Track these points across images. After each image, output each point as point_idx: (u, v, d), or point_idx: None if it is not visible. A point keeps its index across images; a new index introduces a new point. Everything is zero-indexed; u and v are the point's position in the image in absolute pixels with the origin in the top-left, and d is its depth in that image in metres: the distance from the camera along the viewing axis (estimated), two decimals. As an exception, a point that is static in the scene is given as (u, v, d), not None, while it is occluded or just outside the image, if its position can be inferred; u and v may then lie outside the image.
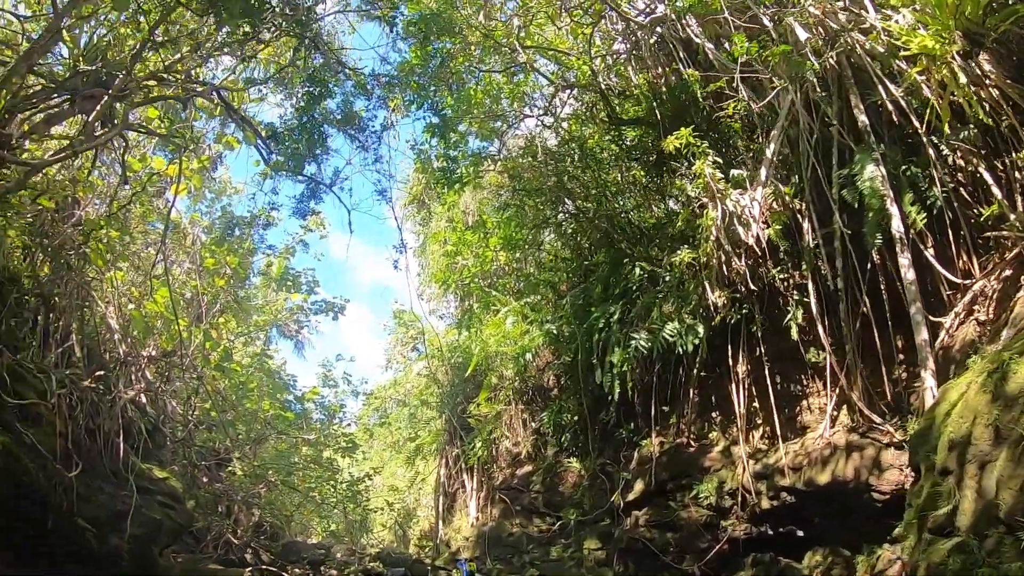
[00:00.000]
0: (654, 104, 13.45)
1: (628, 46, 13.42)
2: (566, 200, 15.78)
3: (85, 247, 10.90)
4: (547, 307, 16.68)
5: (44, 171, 9.86)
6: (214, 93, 11.42)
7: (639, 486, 12.84)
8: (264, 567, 12.29)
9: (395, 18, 13.26)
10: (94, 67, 9.51)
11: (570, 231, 16.80)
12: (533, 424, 16.32)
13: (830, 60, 9.83)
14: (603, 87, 14.00)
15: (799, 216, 11.18)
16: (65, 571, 7.58)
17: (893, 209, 9.16)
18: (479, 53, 14.52)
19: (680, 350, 12.15)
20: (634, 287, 13.91)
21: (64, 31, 9.19)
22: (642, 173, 15.08)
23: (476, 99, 14.70)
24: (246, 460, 14.37)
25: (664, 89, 13.48)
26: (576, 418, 15.20)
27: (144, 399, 11.31)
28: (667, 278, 13.13)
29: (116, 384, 10.89)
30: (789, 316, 11.08)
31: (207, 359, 12.33)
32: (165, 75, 10.66)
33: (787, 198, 11.25)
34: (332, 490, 16.69)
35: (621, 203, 15.51)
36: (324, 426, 18.49)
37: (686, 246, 12.24)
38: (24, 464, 6.93)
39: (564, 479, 14.88)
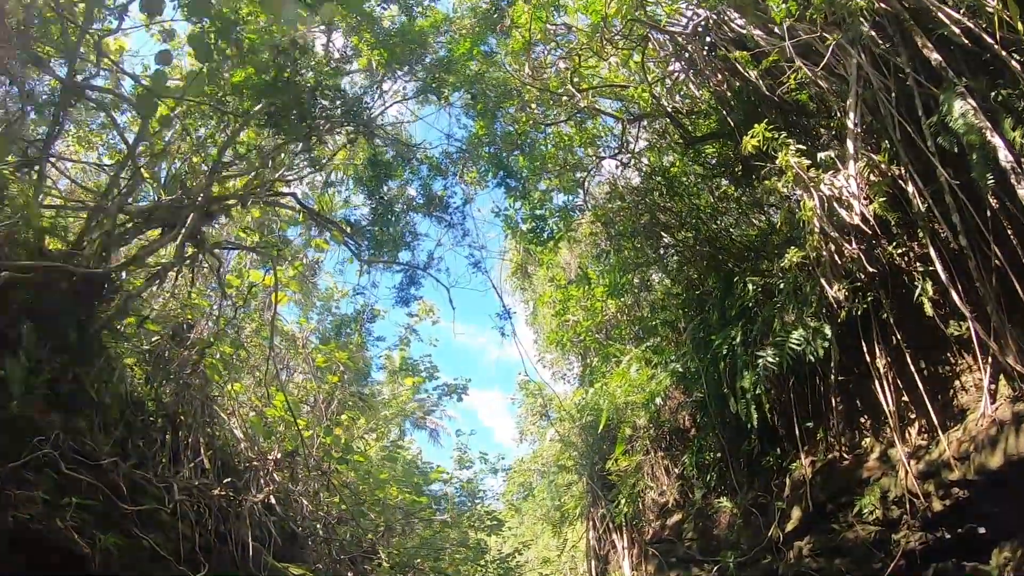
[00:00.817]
0: (724, 113, 13.07)
1: (682, 63, 13.20)
2: (663, 234, 15.36)
3: (201, 365, 11.63)
4: (669, 347, 16.03)
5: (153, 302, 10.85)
6: (294, 200, 12.16)
7: (796, 514, 11.72)
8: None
9: (444, 92, 13.85)
10: (174, 196, 10.38)
11: (675, 265, 16.30)
12: (676, 470, 15.43)
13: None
14: (669, 110, 13.79)
15: (900, 182, 10.27)
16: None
17: (996, 140, 8.23)
18: (540, 110, 14.75)
19: (811, 358, 11.22)
20: (750, 304, 13.16)
21: (143, 170, 10.18)
22: (732, 188, 14.53)
23: (549, 154, 14.85)
24: (390, 548, 14.41)
25: (729, 94, 13.08)
26: (719, 455, 14.26)
27: (273, 500, 11.63)
28: (781, 286, 12.32)
29: (246, 488, 11.33)
30: (919, 291, 10.01)
31: (330, 454, 12.67)
32: (243, 191, 11.50)
33: (883, 167, 10.37)
34: (482, 571, 16.35)
35: (719, 223, 14.90)
36: (467, 508, 18.34)
37: (792, 247, 11.47)
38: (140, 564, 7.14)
39: (717, 521, 13.84)
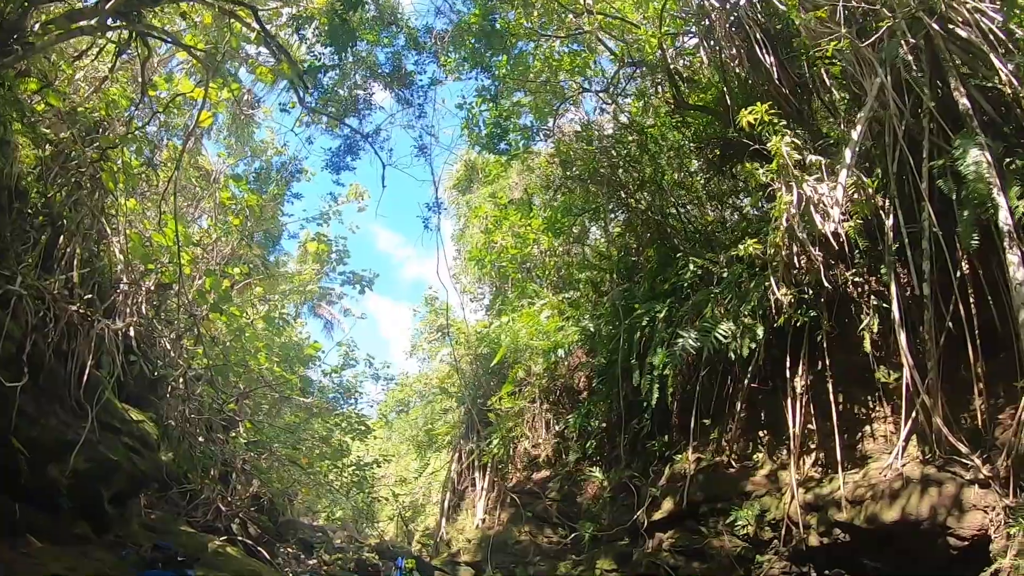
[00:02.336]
0: (724, 90, 12.28)
1: (701, 28, 12.23)
2: (619, 191, 14.56)
3: (100, 166, 10.18)
4: (586, 305, 15.51)
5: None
6: (251, 15, 10.56)
7: (668, 505, 11.54)
8: (246, 540, 11.32)
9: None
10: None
11: (618, 227, 15.65)
12: (557, 427, 15.11)
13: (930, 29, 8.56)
14: (670, 67, 12.84)
15: (881, 213, 9.82)
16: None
17: (1000, 199, 7.76)
18: (542, 20, 13.47)
19: (732, 355, 10.83)
20: (685, 285, 12.70)
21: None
22: (702, 169, 13.89)
23: (534, 67, 13.64)
24: (250, 423, 13.45)
25: (738, 71, 12.29)
26: (604, 425, 13.98)
27: (133, 333, 10.43)
28: (725, 275, 11.85)
29: (109, 314, 10.12)
30: (864, 325, 9.69)
31: (205, 298, 11.38)
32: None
33: (870, 191, 9.89)
34: (338, 472, 15.69)
35: (677, 198, 14.25)
36: (338, 405, 17.56)
37: (751, 239, 10.93)
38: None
39: (583, 489, 13.62)
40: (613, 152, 14.50)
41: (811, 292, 10.38)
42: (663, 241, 14.13)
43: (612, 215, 15.28)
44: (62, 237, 9.97)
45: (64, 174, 10.08)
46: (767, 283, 10.65)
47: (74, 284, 9.61)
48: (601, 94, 14.12)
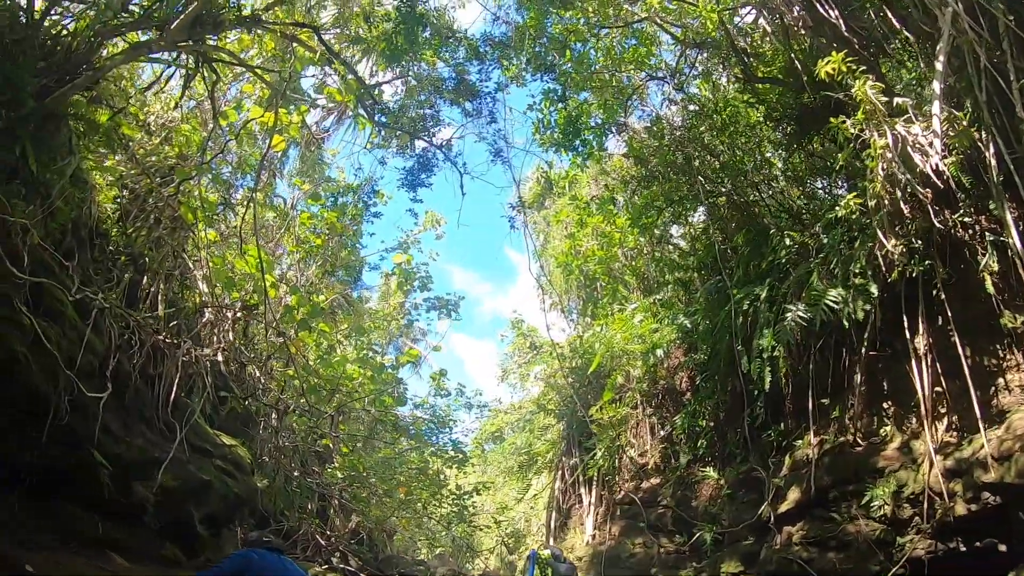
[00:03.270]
0: (791, 57, 11.74)
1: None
2: (699, 181, 14.05)
3: (177, 200, 10.51)
4: (679, 303, 14.93)
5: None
6: (315, 37, 10.87)
7: (793, 495, 10.70)
8: (349, 570, 11.12)
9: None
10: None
11: (700, 223, 15.12)
12: (662, 431, 14.42)
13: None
14: (734, 41, 12.42)
15: (980, 144, 9.02)
16: (75, 516, 6.62)
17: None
18: (597, 17, 13.33)
19: (846, 322, 10.09)
20: (783, 261, 12.07)
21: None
22: (781, 146, 13.27)
23: (596, 61, 13.47)
24: (346, 448, 13.37)
25: (803, 32, 11.75)
26: (713, 423, 13.29)
27: (220, 358, 10.55)
28: (825, 241, 11.15)
29: (196, 341, 10.28)
30: (983, 265, 8.87)
31: (292, 315, 11.44)
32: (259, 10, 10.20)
33: (963, 123, 9.10)
34: (437, 504, 15.40)
35: (759, 179, 13.66)
36: (433, 435, 17.38)
37: (850, 195, 10.26)
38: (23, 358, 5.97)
39: (698, 492, 12.86)
40: (687, 142, 14.09)
41: (920, 241, 9.61)
42: (751, 224, 13.49)
43: (693, 207, 14.75)
44: (145, 276, 10.16)
45: (142, 214, 10.38)
46: (872, 240, 9.95)
47: (159, 318, 9.79)
48: (668, 82, 13.72)
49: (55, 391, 6.05)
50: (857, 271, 10.16)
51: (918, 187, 9.04)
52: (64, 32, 8.30)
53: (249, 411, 11.64)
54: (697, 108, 14.17)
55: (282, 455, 12.19)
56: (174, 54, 9.34)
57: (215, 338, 10.70)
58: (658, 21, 12.86)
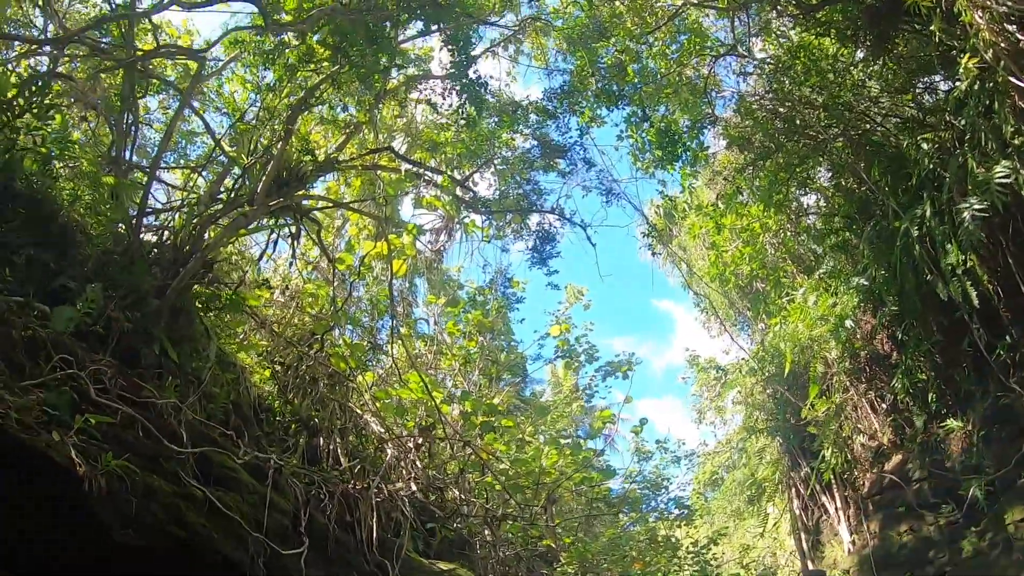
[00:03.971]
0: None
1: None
2: (809, 133, 13.24)
3: (326, 356, 11.07)
4: (845, 267, 13.69)
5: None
6: (392, 155, 11.61)
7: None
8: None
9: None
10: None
11: (829, 177, 14.09)
12: (883, 405, 12.77)
13: None
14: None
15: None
16: None
17: None
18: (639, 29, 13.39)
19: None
20: (930, 168, 10.87)
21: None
22: (869, 62, 12.32)
23: (662, 69, 13.38)
24: (569, 541, 12.83)
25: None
26: (933, 373, 11.65)
27: (415, 487, 10.62)
28: (962, 122, 9.99)
29: (385, 479, 10.43)
30: None
31: (471, 421, 11.46)
32: (332, 154, 11.03)
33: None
34: (677, 569, 14.22)
35: (866, 101, 12.68)
36: (650, 501, 16.32)
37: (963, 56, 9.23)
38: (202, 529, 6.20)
39: (948, 450, 11.14)
40: (779, 105, 13.44)
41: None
42: (879, 152, 12.40)
43: (815, 166, 13.83)
44: (319, 437, 10.51)
45: (298, 380, 10.91)
46: (1008, 93, 8.78)
47: (344, 468, 10.06)
48: (735, 57, 13.30)
49: (247, 554, 6.16)
50: (1011, 131, 8.93)
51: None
52: (167, 234, 9.18)
53: (461, 534, 11.48)
54: (772, 67, 13.56)
55: (506, 567, 11.83)
56: (273, 220, 10.20)
57: (404, 471, 10.85)
58: (694, 1, 12.66)
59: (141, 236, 8.81)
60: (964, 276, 9.92)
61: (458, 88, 11.32)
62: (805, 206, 15.17)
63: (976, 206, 9.35)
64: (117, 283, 7.63)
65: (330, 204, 11.32)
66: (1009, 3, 8.17)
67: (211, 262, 9.03)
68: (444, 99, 12.64)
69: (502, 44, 13.96)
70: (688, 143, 13.70)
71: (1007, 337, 10.12)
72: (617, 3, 13.10)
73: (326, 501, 8.37)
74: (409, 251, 12.79)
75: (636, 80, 13.32)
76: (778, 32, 13.15)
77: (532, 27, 13.97)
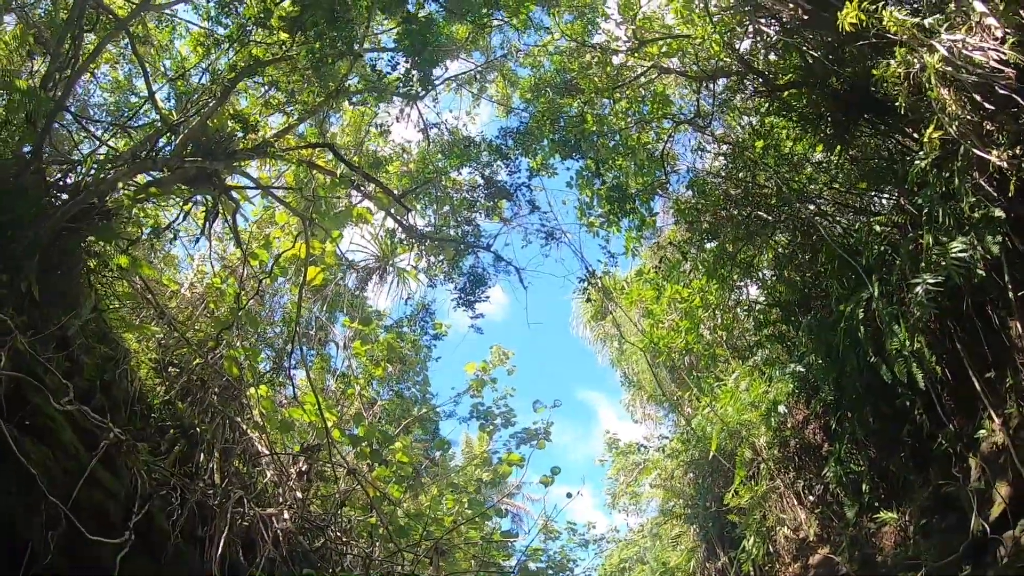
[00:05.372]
0: (803, 48, 11.41)
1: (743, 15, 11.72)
2: (760, 214, 13.25)
3: (219, 355, 9.83)
4: (781, 356, 13.47)
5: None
6: (331, 153, 10.83)
7: (1002, 491, 8.68)
8: None
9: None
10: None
11: (771, 266, 14.09)
12: (811, 496, 12.27)
13: None
14: (743, 57, 12.21)
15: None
16: None
17: None
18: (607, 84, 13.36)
19: (980, 271, 8.74)
20: (881, 250, 10.85)
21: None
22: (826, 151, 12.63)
23: (619, 125, 13.27)
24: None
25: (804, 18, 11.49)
26: (868, 462, 11.28)
27: (287, 516, 9.21)
28: (920, 200, 10.02)
29: (256, 499, 9.02)
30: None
31: (362, 451, 10.22)
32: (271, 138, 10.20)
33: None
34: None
35: (820, 186, 12.84)
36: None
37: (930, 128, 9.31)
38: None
39: (880, 543, 10.63)
40: (730, 188, 13.50)
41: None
42: (823, 242, 12.48)
43: (761, 253, 13.79)
44: (199, 450, 9.11)
45: (187, 382, 9.61)
46: (970, 167, 8.84)
47: (213, 484, 8.70)
48: (696, 124, 13.33)
49: (39, 527, 4.76)
50: (971, 204, 8.95)
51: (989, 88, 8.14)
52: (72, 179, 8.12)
53: None
54: (729, 148, 13.69)
55: None
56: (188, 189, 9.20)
57: (280, 497, 9.50)
58: (664, 65, 12.73)
59: (43, 168, 7.65)
60: (911, 357, 9.71)
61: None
62: (745, 296, 15.07)
63: (930, 280, 9.23)
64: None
65: (253, 185, 10.31)
66: (977, 75, 8.27)
67: (108, 211, 7.91)
68: (399, 119, 12.12)
69: (466, 79, 13.63)
70: (637, 206, 13.48)
71: (950, 426, 9.84)
72: (588, 56, 13.02)
73: (175, 505, 7.00)
74: (329, 259, 11.81)
75: (594, 133, 13.12)
76: (741, 110, 13.28)
77: (498, 70, 13.78)
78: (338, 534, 10.13)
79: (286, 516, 9.21)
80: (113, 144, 9.25)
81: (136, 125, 9.65)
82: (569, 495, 12.35)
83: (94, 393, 6.98)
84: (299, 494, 9.96)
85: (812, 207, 12.94)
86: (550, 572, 14.73)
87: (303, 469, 10.27)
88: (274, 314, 12.15)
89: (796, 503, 12.36)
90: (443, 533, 10.95)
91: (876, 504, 10.98)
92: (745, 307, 14.56)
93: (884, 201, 12.42)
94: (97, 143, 9.23)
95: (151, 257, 10.13)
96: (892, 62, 9.53)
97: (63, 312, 6.72)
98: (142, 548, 5.89)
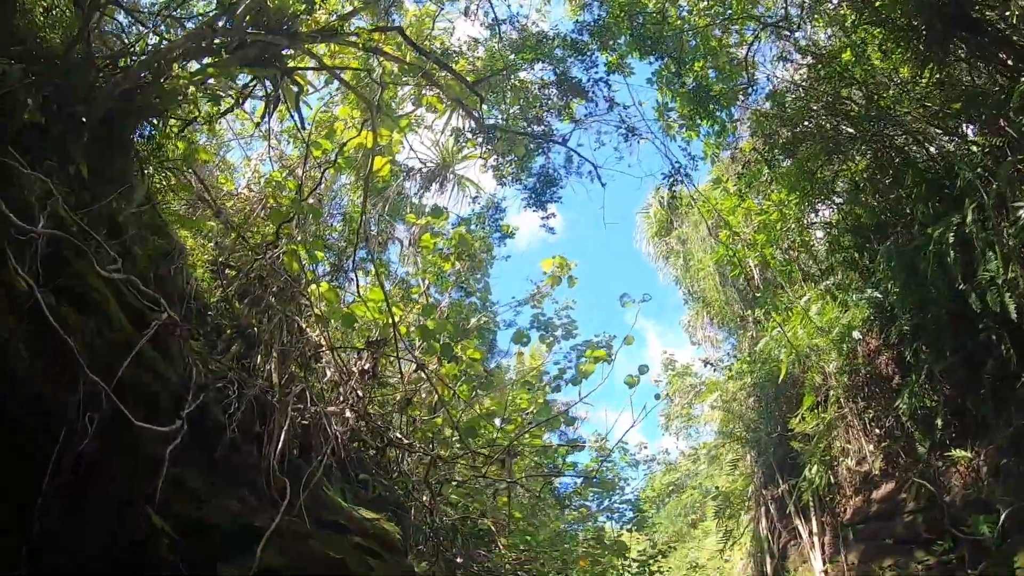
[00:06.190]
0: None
1: None
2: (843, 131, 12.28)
3: (279, 250, 9.65)
4: (856, 281, 12.75)
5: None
6: (401, 37, 10.26)
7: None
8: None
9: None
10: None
11: (852, 181, 13.15)
12: (878, 430, 11.76)
13: None
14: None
15: None
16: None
17: None
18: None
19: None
20: (975, 175, 9.94)
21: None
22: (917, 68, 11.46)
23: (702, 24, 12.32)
24: (519, 517, 11.47)
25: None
26: (943, 397, 10.64)
27: (349, 416, 9.12)
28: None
29: (317, 397, 8.93)
30: None
31: (433, 345, 9.95)
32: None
33: None
34: (620, 573, 13.02)
35: (907, 107, 11.77)
36: (602, 500, 15.11)
37: None
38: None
39: (949, 481, 10.14)
40: (814, 102, 12.49)
41: None
42: (909, 165, 11.59)
43: (835, 177, 12.89)
44: (256, 351, 9.04)
45: (245, 282, 9.50)
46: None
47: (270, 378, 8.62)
48: (781, 29, 12.28)
49: (74, 399, 4.12)
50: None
51: None
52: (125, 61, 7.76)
53: (395, 492, 9.99)
54: (814, 59, 12.62)
55: (440, 538, 10.38)
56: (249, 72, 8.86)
57: (341, 396, 9.44)
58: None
59: (90, 51, 7.37)
60: (1004, 286, 9.01)
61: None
62: (820, 218, 14.23)
63: (1034, 206, 8.44)
64: (48, 75, 6.19)
65: (319, 66, 9.88)
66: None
67: (163, 92, 7.62)
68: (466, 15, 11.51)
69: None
70: (719, 115, 12.68)
71: (1039, 362, 9.16)
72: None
73: (232, 398, 6.84)
74: (396, 150, 11.42)
75: (675, 30, 12.23)
76: (831, 16, 12.16)
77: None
78: (398, 437, 10.09)
79: (348, 415, 9.20)
80: (165, 35, 8.95)
81: (188, 16, 9.28)
82: (657, 396, 12.02)
83: (147, 285, 6.82)
84: (360, 394, 9.93)
85: (899, 127, 11.93)
86: (600, 492, 14.73)
87: (366, 368, 10.19)
88: (334, 217, 11.95)
89: (863, 435, 11.87)
90: (515, 433, 10.82)
91: (948, 442, 10.46)
92: (822, 227, 13.75)
93: (975, 128, 11.32)
94: (147, 31, 8.94)
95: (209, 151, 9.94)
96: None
97: (112, 196, 6.57)
98: (195, 440, 5.45)
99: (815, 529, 12.70)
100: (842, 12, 12.18)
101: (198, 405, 5.78)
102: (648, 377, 11.96)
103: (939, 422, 10.56)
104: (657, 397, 12.25)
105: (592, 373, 10.29)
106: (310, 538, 6.06)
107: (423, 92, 11.26)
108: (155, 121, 7.45)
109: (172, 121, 7.68)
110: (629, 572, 13.47)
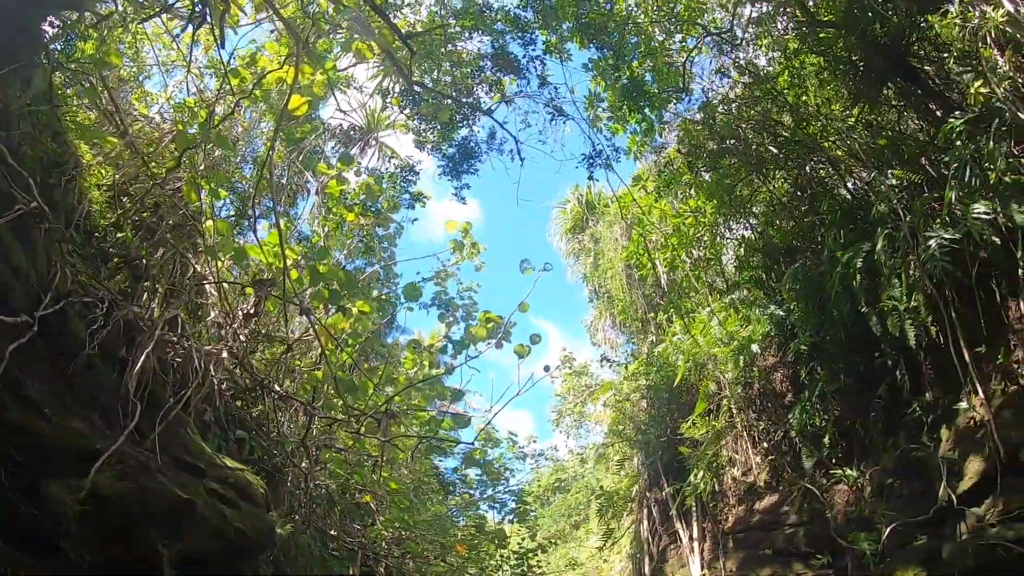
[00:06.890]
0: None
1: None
2: (767, 151, 12.60)
3: (179, 181, 8.80)
4: (760, 299, 13.11)
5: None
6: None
7: (974, 466, 8.54)
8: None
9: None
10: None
11: (763, 211, 13.55)
12: (766, 443, 12.16)
13: None
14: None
15: None
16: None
17: None
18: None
19: (996, 239, 8.33)
20: (892, 205, 10.34)
21: None
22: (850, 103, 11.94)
23: (646, 24, 12.29)
24: (396, 487, 11.07)
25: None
26: (833, 417, 11.09)
27: (226, 357, 8.43)
28: (947, 158, 9.53)
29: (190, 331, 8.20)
30: None
31: (321, 290, 9.33)
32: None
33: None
34: (499, 564, 12.88)
35: (831, 143, 12.24)
36: (487, 488, 14.92)
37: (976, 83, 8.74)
38: None
39: (832, 500, 10.56)
40: (744, 122, 12.78)
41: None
42: (825, 193, 12.03)
43: (758, 196, 13.25)
44: (142, 284, 8.21)
45: (141, 209, 8.66)
46: (1004, 126, 8.38)
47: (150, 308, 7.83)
48: (724, 41, 12.43)
49: None
50: (1003, 169, 8.47)
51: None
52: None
53: (271, 452, 9.34)
54: (751, 77, 12.90)
55: (314, 507, 9.78)
56: None
57: (222, 334, 8.70)
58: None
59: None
60: (905, 314, 9.40)
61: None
62: (732, 235, 14.58)
63: (946, 236, 8.83)
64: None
65: None
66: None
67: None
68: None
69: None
70: (649, 115, 12.69)
71: (926, 395, 9.69)
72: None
73: (99, 315, 6.06)
74: (318, 90, 10.68)
75: (620, 23, 12.14)
76: (773, 39, 12.43)
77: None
78: (278, 390, 9.44)
79: (225, 358, 8.48)
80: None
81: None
82: (547, 368, 11.78)
83: (29, 191, 5.91)
84: (243, 338, 9.22)
85: (823, 156, 12.37)
86: (482, 482, 14.49)
87: (251, 312, 9.47)
88: (246, 163, 11.09)
89: (751, 446, 12.25)
90: (396, 394, 10.37)
91: (833, 460, 10.90)
92: (734, 243, 14.09)
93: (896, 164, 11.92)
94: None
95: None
96: (952, 8, 8.94)
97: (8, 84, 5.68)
98: (47, 349, 5.17)
99: (696, 535, 13.02)
100: (786, 37, 12.43)
101: (57, 311, 5.36)
102: (545, 372, 11.79)
103: (827, 440, 11.01)
104: (546, 369, 11.94)
105: (483, 339, 10.09)
106: (158, 473, 5.52)
107: (354, 37, 10.56)
108: (72, 15, 6.56)
109: (89, 16, 6.79)
110: (508, 564, 13.33)
